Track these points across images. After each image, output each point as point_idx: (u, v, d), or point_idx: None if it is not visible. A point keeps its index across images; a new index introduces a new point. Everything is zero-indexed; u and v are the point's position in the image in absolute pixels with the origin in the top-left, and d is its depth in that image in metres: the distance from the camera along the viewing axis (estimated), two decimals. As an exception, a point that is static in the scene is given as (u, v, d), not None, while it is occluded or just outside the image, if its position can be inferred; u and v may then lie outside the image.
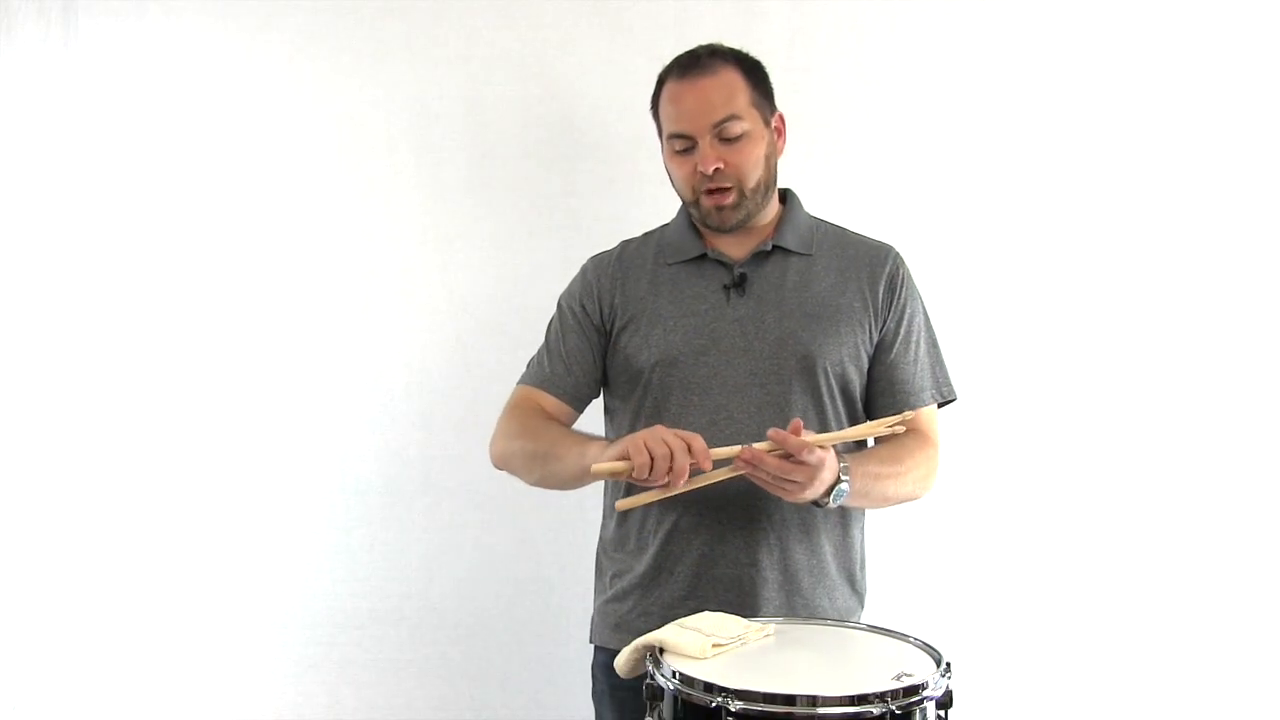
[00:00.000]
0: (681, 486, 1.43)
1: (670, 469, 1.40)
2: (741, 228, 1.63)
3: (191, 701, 2.10)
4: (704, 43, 1.63)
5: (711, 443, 1.54)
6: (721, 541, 1.58)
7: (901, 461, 1.60)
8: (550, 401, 1.67)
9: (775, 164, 1.64)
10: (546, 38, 2.05)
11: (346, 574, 2.09)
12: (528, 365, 1.72)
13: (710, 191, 1.58)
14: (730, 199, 1.58)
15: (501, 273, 2.07)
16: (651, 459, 1.40)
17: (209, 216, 2.08)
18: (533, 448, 1.60)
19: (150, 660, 2.10)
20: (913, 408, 1.65)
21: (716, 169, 1.56)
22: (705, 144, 1.57)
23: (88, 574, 2.09)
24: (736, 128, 1.57)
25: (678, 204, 1.70)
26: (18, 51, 2.05)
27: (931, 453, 1.65)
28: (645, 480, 1.42)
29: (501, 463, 1.66)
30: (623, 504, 1.51)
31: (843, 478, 1.49)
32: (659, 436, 1.41)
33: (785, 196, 1.70)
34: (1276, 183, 2.06)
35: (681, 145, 1.60)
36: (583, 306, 1.69)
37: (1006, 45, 2.05)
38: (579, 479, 1.57)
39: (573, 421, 1.69)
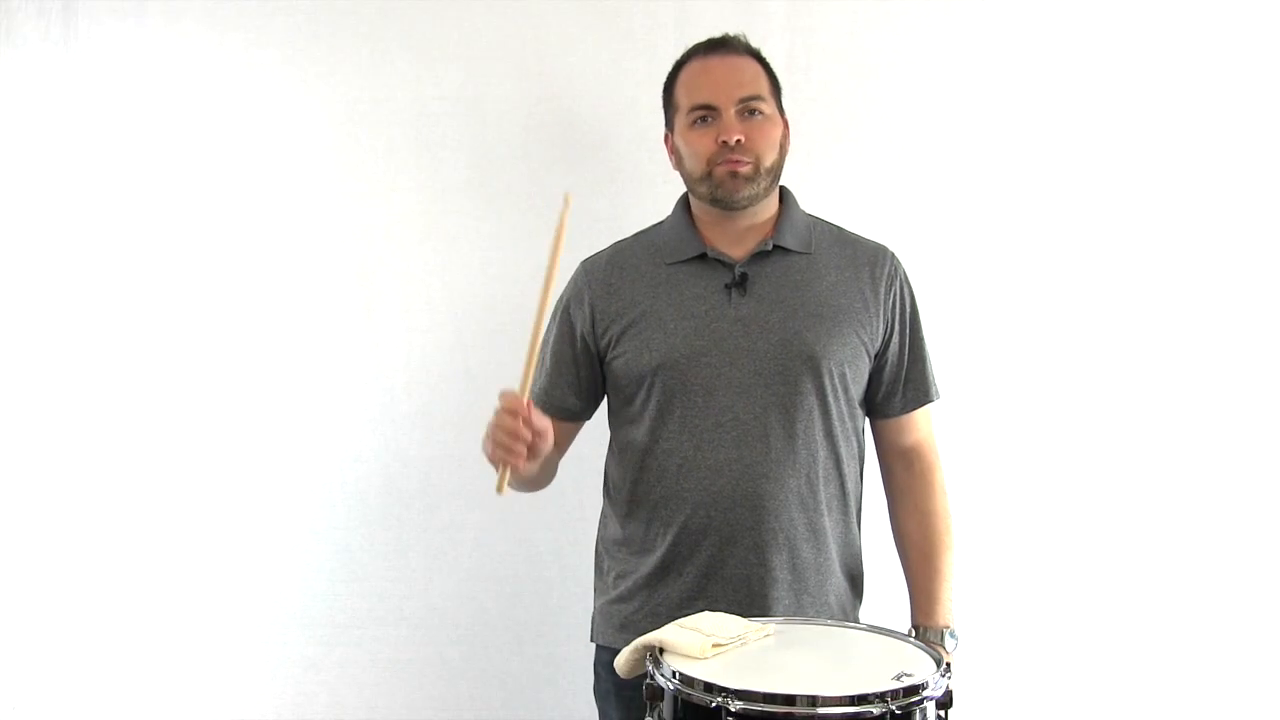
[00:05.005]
0: (532, 458, 1.47)
1: (511, 443, 1.44)
2: (746, 206, 1.62)
3: (192, 701, 2.10)
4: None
5: (718, 443, 1.57)
6: (731, 542, 1.58)
7: (943, 553, 1.68)
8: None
9: (785, 156, 1.66)
10: (546, 38, 2.05)
11: (346, 574, 2.09)
12: None
13: (726, 161, 1.59)
14: (746, 169, 1.59)
15: (501, 273, 2.06)
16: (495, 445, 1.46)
17: (209, 217, 2.08)
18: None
19: (150, 660, 2.10)
20: (915, 406, 1.69)
21: (739, 140, 1.58)
22: (730, 115, 1.59)
23: (88, 574, 2.09)
24: (760, 107, 1.61)
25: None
26: (18, 51, 2.05)
27: (936, 481, 1.72)
28: (508, 460, 1.45)
29: None
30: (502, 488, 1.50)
31: (949, 636, 1.64)
32: (493, 425, 1.46)
33: (781, 195, 1.70)
34: (1274, 183, 2.06)
35: (703, 115, 1.61)
36: (569, 314, 1.69)
37: (1006, 45, 2.05)
38: (527, 480, 1.63)
39: (563, 433, 1.69)
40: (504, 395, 1.46)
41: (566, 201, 1.46)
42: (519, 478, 1.56)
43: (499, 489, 1.47)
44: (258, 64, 2.06)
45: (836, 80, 2.04)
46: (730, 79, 1.61)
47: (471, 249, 2.07)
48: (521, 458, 1.46)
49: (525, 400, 1.45)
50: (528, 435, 1.45)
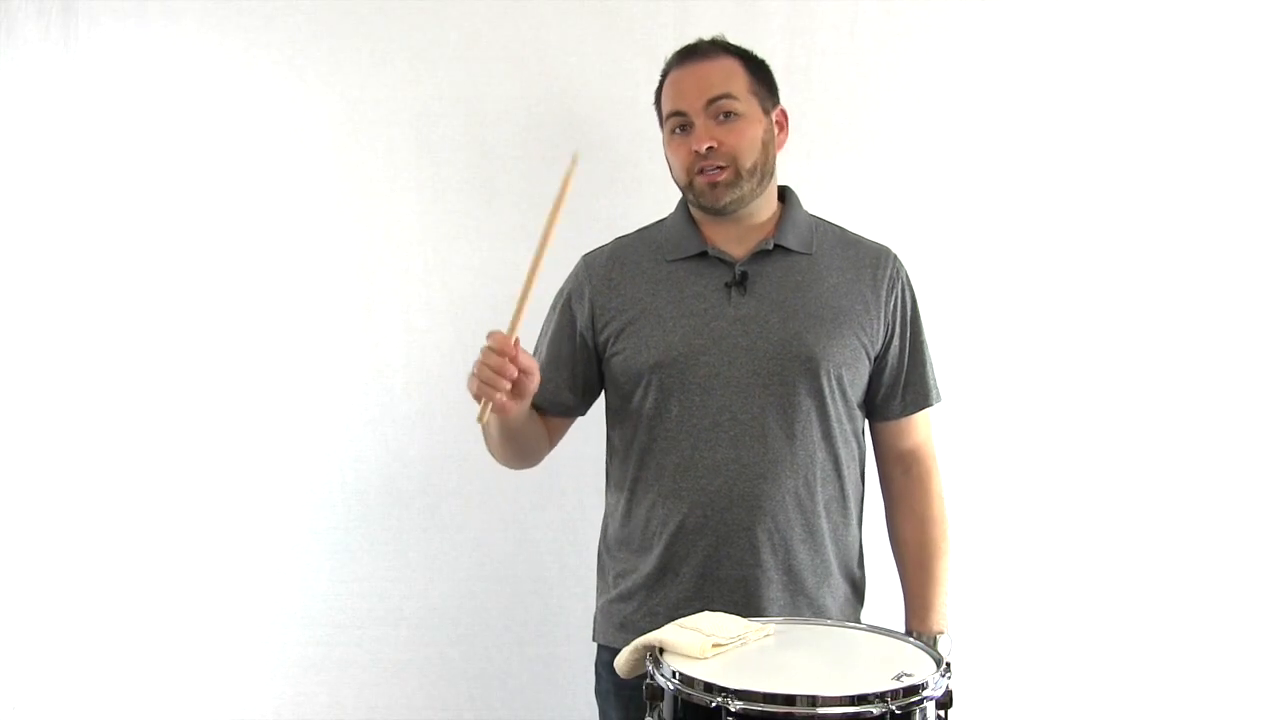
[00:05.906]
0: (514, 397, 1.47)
1: (495, 379, 1.43)
2: (735, 210, 1.62)
3: (192, 701, 2.10)
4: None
5: (716, 442, 1.56)
6: (726, 543, 1.57)
7: (938, 559, 1.68)
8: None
9: (774, 154, 1.65)
10: (546, 38, 2.05)
11: (346, 574, 2.09)
12: None
13: (704, 170, 1.59)
14: (724, 176, 1.59)
15: (501, 273, 2.06)
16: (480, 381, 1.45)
17: (209, 217, 2.07)
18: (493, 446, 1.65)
19: (150, 660, 2.10)
20: (915, 410, 1.68)
21: (710, 147, 1.57)
22: (700, 123, 1.59)
23: (88, 574, 2.09)
24: (730, 106, 1.59)
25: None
26: (18, 51, 2.05)
27: (934, 486, 1.71)
28: (491, 395, 1.44)
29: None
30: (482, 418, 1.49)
31: (944, 642, 1.64)
32: (478, 363, 1.45)
33: (784, 195, 1.70)
34: (1274, 185, 2.06)
35: (678, 124, 1.61)
36: (570, 308, 1.69)
37: (1006, 45, 2.05)
38: (512, 439, 1.62)
39: (556, 427, 1.70)
40: (492, 335, 1.45)
41: (575, 160, 1.43)
42: (506, 424, 1.56)
43: (480, 418, 1.46)
44: (258, 64, 2.06)
45: (836, 80, 2.04)
46: (698, 84, 1.60)
47: (471, 249, 2.07)
48: (505, 393, 1.45)
49: (513, 339, 1.44)
50: (513, 372, 1.44)
